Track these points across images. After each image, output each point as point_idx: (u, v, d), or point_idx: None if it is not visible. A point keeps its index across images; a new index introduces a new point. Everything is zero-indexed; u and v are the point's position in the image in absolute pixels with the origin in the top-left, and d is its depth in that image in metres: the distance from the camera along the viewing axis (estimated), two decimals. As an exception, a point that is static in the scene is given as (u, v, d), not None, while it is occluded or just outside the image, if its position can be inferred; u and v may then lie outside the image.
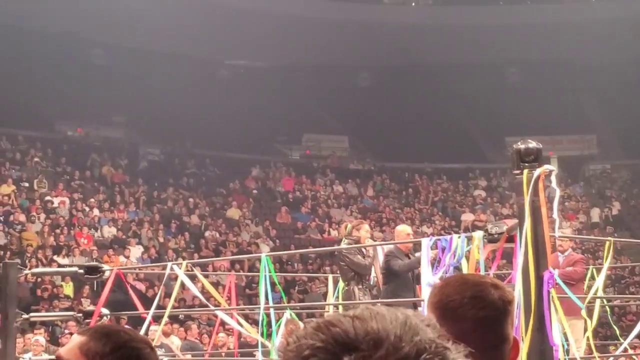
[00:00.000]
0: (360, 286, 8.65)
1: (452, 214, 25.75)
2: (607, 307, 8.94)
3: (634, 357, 9.03)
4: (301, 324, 7.21)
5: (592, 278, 8.38)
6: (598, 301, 6.71)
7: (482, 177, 28.64)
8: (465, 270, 6.39)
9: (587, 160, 29.78)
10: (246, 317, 11.03)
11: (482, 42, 30.34)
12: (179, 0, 27.18)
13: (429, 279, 6.45)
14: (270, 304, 8.00)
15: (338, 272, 10.54)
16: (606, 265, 6.62)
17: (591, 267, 9.16)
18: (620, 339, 8.15)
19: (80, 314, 8.21)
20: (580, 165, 29.72)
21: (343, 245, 8.84)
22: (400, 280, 8.27)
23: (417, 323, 0.86)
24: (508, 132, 29.86)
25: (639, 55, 29.36)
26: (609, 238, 6.94)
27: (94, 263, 9.26)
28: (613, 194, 28.05)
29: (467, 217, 24.94)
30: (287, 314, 8.51)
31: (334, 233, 23.08)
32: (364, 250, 8.74)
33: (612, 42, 28.30)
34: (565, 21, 29.82)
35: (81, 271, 7.95)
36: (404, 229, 8.98)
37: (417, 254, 8.51)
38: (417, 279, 8.36)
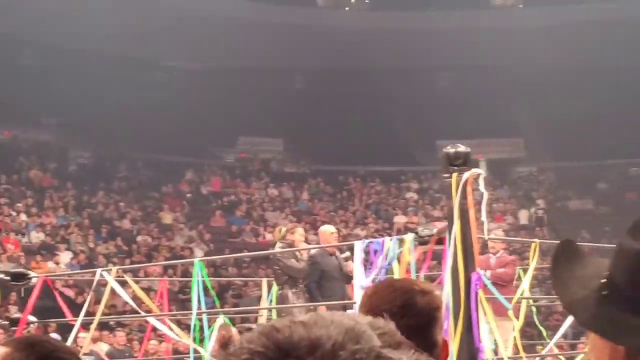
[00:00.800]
0: (293, 290, 8.68)
1: (385, 217, 25.99)
2: (533, 307, 9.12)
3: (560, 356, 9.25)
4: (234, 329, 7.18)
5: (519, 279, 8.57)
6: (524, 301, 6.85)
7: (414, 179, 29.01)
8: (396, 272, 6.46)
9: (514, 163, 30.44)
10: (179, 323, 10.94)
11: (415, 47, 30.74)
12: (113, 0, 26.76)
13: (361, 282, 6.52)
14: (203, 309, 7.94)
15: (271, 275, 10.54)
16: (532, 266, 6.77)
17: (518, 268, 9.36)
18: (547, 338, 8.36)
19: (7, 322, 8.01)
20: (508, 167, 30.37)
21: (277, 249, 8.84)
22: (325, 283, 8.39)
23: (364, 330, 0.83)
24: (439, 136, 30.31)
25: (566, 61, 30.20)
26: (535, 240, 7.09)
27: (21, 269, 9.03)
28: (539, 196, 28.75)
29: (400, 220, 25.22)
30: (220, 319, 8.47)
31: (269, 237, 23.04)
32: (297, 254, 8.77)
33: (540, 48, 29.04)
34: (495, 27, 30.46)
35: (7, 278, 7.77)
36: (327, 229, 9.03)
37: (343, 254, 8.62)
38: (347, 279, 8.44)
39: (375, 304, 1.76)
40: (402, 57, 30.97)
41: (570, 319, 7.43)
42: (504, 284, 8.40)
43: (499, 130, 29.68)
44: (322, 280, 8.49)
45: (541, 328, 9.12)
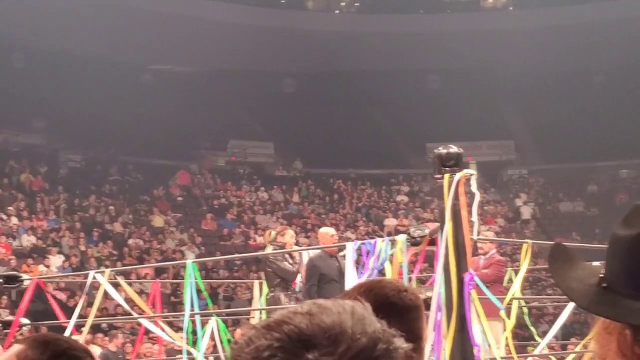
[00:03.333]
0: (285, 292, 8.68)
1: (376, 219, 26.04)
2: (524, 308, 9.16)
3: (551, 357, 9.30)
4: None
5: (511, 280, 8.60)
6: (515, 302, 6.89)
7: (405, 182, 29.07)
8: (388, 273, 6.50)
9: (505, 166, 30.54)
10: (171, 325, 10.93)
11: (404, 50, 30.82)
12: (102, 4, 26.73)
13: (353, 283, 6.54)
14: (196, 310, 7.96)
15: (262, 278, 10.52)
16: (524, 267, 6.81)
17: (509, 269, 9.40)
18: (538, 339, 8.40)
19: (-1, 324, 8.00)
20: (499, 170, 30.47)
21: (268, 252, 8.85)
22: (324, 284, 8.33)
23: (362, 312, 0.86)
24: (429, 138, 30.39)
25: (555, 63, 30.35)
26: (527, 240, 7.13)
27: (13, 272, 9.03)
28: (530, 198, 28.85)
29: (390, 222, 25.25)
30: (213, 321, 8.49)
31: (259, 239, 23.06)
32: (288, 256, 8.75)
33: (529, 51, 29.17)
34: (484, 30, 30.57)
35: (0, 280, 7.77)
36: (327, 231, 9.00)
37: (341, 253, 8.57)
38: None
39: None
40: (392, 60, 31.05)
41: (561, 320, 7.49)
42: (486, 284, 8.44)
43: (489, 133, 29.78)
44: (321, 283, 8.43)
45: (532, 329, 9.17)
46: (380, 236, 23.33)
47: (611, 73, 30.82)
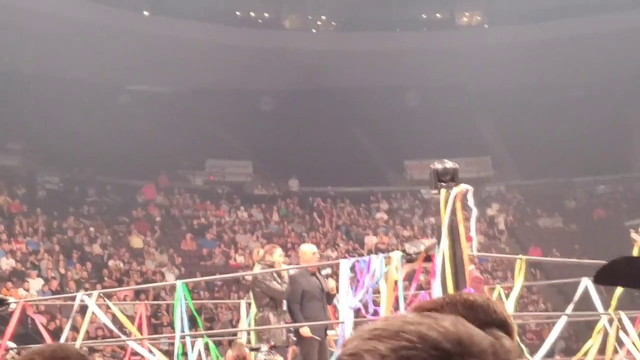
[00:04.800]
0: (274, 312, 8.59)
1: (356, 237, 25.99)
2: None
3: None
4: (246, 349, 7.12)
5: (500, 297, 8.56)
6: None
7: (384, 200, 29.06)
8: (383, 292, 6.44)
9: (483, 182, 30.65)
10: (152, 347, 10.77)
11: (382, 67, 30.95)
12: (78, 25, 26.56)
13: (349, 302, 6.48)
14: (186, 331, 7.85)
15: (245, 298, 10.39)
16: (519, 283, 6.79)
17: (498, 286, 9.38)
18: (528, 357, 8.37)
19: (-16, 349, 7.84)
20: (477, 186, 30.56)
21: (257, 271, 8.76)
22: (306, 303, 8.30)
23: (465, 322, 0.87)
24: (407, 156, 30.52)
25: (531, 79, 30.62)
26: (521, 256, 7.11)
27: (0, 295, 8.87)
28: (509, 214, 28.95)
29: (370, 240, 25.21)
30: (201, 342, 8.39)
31: (239, 259, 22.91)
32: (277, 275, 8.67)
33: (506, 67, 29.40)
34: (460, 47, 30.79)
35: (-14, 304, 7.62)
36: (309, 249, 8.95)
37: (324, 271, 8.52)
38: (328, 298, 8.39)
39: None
40: (369, 77, 31.16)
41: (553, 337, 7.47)
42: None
43: (466, 149, 29.87)
44: (303, 300, 8.40)
45: (521, 345, 9.16)
46: (361, 254, 23.28)
47: (587, 88, 31.16)
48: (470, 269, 9.09)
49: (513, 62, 29.23)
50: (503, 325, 1.74)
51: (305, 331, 8.02)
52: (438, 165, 5.71)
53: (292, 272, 8.73)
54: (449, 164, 5.73)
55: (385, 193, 29.66)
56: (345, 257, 22.64)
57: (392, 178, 31.12)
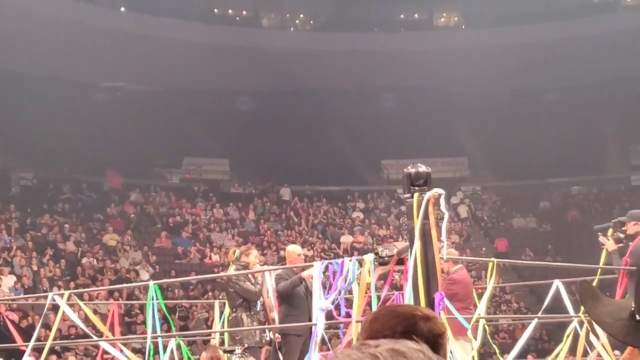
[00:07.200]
0: (248, 312, 8.60)
1: (332, 237, 26.04)
2: (486, 326, 9.24)
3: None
4: (220, 351, 7.12)
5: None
6: (482, 321, 6.92)
7: (360, 199, 29.14)
8: (356, 294, 6.46)
9: (458, 182, 30.83)
10: (124, 346, 10.73)
11: (359, 68, 31.01)
12: (54, 22, 26.31)
13: (321, 304, 6.49)
14: (158, 332, 7.82)
15: (220, 297, 10.35)
16: (490, 285, 6.84)
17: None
18: (500, 357, 8.47)
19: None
20: (453, 187, 30.75)
21: (231, 271, 8.75)
22: (292, 301, 8.29)
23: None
24: (384, 155, 30.62)
25: (507, 81, 30.84)
26: (492, 259, 7.17)
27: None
28: (484, 215, 29.15)
29: (346, 239, 25.28)
30: (173, 342, 8.36)
31: (215, 257, 22.86)
32: (251, 276, 8.68)
33: (482, 69, 29.57)
34: (437, 48, 30.91)
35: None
36: (294, 250, 8.96)
37: (302, 273, 8.51)
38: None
39: (376, 329, 1.73)
40: (347, 78, 31.22)
41: (524, 338, 7.56)
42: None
43: (443, 150, 30.07)
44: (291, 299, 8.40)
45: (495, 346, 9.24)
46: (337, 253, 23.32)
47: (562, 91, 31.44)
48: (457, 267, 9.18)
49: (489, 64, 29.40)
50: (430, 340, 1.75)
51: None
52: (411, 170, 5.73)
53: (279, 272, 8.74)
54: (422, 168, 5.76)
55: (361, 192, 29.75)
56: (320, 256, 22.64)
57: (369, 178, 31.22)
